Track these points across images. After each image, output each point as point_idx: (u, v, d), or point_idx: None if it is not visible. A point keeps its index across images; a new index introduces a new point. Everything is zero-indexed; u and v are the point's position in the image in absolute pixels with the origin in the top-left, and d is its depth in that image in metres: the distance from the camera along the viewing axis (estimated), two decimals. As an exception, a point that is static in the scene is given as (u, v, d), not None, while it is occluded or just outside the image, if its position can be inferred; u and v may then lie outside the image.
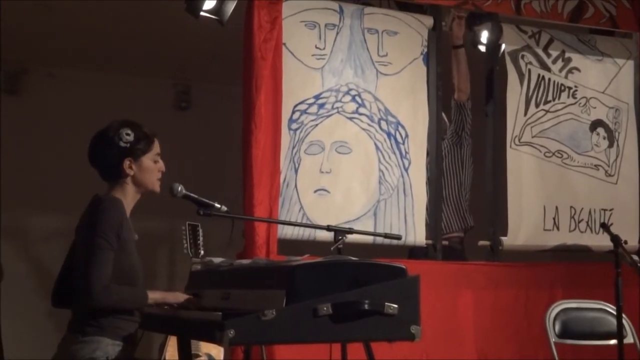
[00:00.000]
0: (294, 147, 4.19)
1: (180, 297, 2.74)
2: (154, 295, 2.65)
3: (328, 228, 3.06)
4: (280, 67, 4.15)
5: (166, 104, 6.54)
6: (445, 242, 4.54)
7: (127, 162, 2.67)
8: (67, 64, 6.12)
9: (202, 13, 4.12)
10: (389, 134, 4.41)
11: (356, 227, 4.15)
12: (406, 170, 4.42)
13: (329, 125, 4.29)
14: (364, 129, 4.36)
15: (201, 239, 3.78)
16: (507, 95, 4.70)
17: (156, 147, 2.74)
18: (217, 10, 4.11)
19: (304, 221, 4.10)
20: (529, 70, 4.75)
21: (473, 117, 4.73)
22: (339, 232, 3.02)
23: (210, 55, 5.73)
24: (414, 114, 4.48)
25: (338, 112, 4.32)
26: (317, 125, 4.26)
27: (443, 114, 4.63)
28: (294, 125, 4.21)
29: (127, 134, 2.67)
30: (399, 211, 4.36)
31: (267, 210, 3.99)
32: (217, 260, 3.03)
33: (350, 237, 3.04)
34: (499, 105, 4.71)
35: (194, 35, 5.03)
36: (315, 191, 4.21)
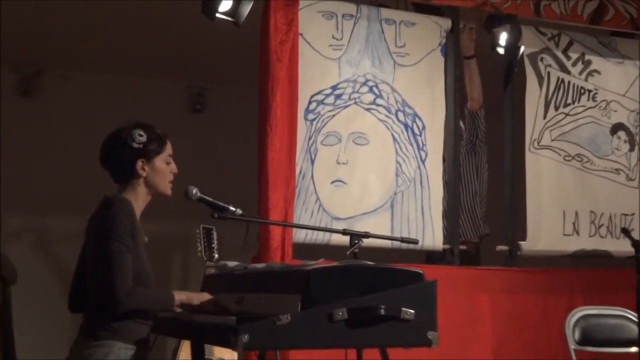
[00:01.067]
0: (310, 138, 4.20)
1: (206, 297, 2.72)
2: (180, 296, 2.65)
3: (344, 232, 3.07)
4: (296, 69, 4.14)
5: (180, 106, 6.57)
6: (462, 247, 4.53)
7: (139, 163, 2.68)
8: (81, 67, 6.15)
9: (218, 15, 4.13)
10: (406, 126, 4.41)
11: (373, 219, 4.17)
12: (423, 162, 4.41)
13: (346, 116, 4.29)
14: (381, 120, 4.36)
15: (215, 242, 3.78)
16: (525, 98, 4.67)
17: (168, 149, 2.74)
18: (233, 12, 4.11)
19: (320, 213, 4.11)
20: (549, 73, 4.72)
21: (491, 120, 4.72)
22: (355, 236, 3.02)
23: (225, 57, 5.73)
24: (431, 106, 4.47)
25: (355, 102, 4.32)
26: (334, 115, 4.26)
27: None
28: (311, 116, 4.22)
29: (140, 135, 2.67)
30: (416, 203, 4.36)
31: (282, 213, 4.00)
32: (232, 263, 3.03)
33: (367, 240, 3.05)
34: (518, 109, 4.69)
35: (209, 37, 5.04)
36: (332, 182, 4.22)
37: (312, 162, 4.19)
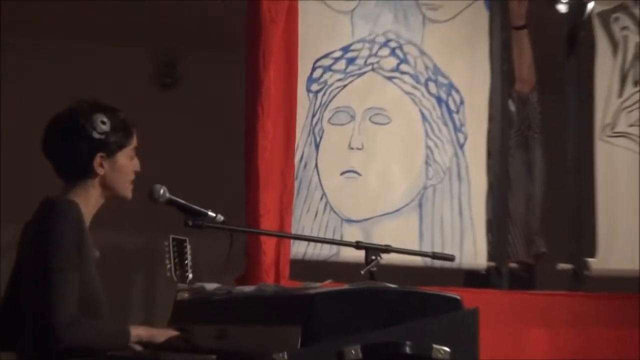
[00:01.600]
0: (314, 115, 4.21)
1: (168, 334, 2.77)
2: (138, 332, 2.68)
3: (357, 245, 3.07)
4: (296, 30, 4.15)
5: (145, 80, 6.57)
6: (512, 264, 4.55)
7: (98, 159, 2.70)
8: (19, 30, 6.14)
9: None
10: (439, 99, 4.42)
11: (396, 222, 4.20)
12: (461, 147, 4.43)
13: (360, 86, 4.30)
14: (406, 93, 4.37)
15: (189, 258, 3.75)
16: (595, 72, 4.68)
17: (134, 141, 2.78)
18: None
19: (327, 213, 4.14)
20: (625, 38, 4.73)
21: (550, 102, 4.73)
22: (372, 250, 3.02)
23: (202, 18, 5.73)
24: (472, 74, 4.49)
25: (373, 69, 4.33)
26: (345, 86, 4.27)
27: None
28: (315, 86, 4.23)
29: (103, 122, 2.69)
30: (452, 201, 4.38)
31: (277, 220, 4.01)
32: (211, 286, 3.04)
33: (387, 255, 3.06)
34: (584, 86, 4.69)
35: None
36: (343, 173, 4.24)
37: (317, 146, 4.20)
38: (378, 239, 4.10)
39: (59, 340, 2.50)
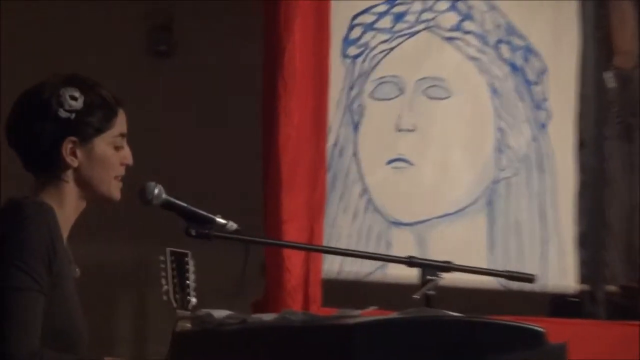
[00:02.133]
0: (351, 88, 4.26)
1: None
2: None
3: (410, 261, 3.08)
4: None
5: (135, 47, 6.58)
6: (610, 288, 4.55)
7: (67, 145, 2.70)
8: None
9: None
10: (513, 67, 4.44)
11: (459, 226, 4.24)
12: (543, 128, 4.44)
13: (412, 50, 4.34)
14: (471, 58, 4.41)
15: (192, 277, 3.78)
16: None
17: (120, 124, 2.77)
18: None
19: (370, 213, 4.18)
20: None
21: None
22: (429, 268, 3.03)
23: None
24: (556, 37, 4.51)
25: (428, 28, 4.37)
26: (391, 49, 4.31)
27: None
28: (353, 50, 4.27)
29: (73, 98, 2.69)
30: (530, 200, 4.39)
31: (305, 229, 4.04)
32: (220, 313, 2.99)
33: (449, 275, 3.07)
34: None
35: None
36: (389, 162, 4.29)
37: (355, 128, 4.24)
38: (434, 247, 4.22)
39: None
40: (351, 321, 2.54)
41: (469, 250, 4.17)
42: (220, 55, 6.16)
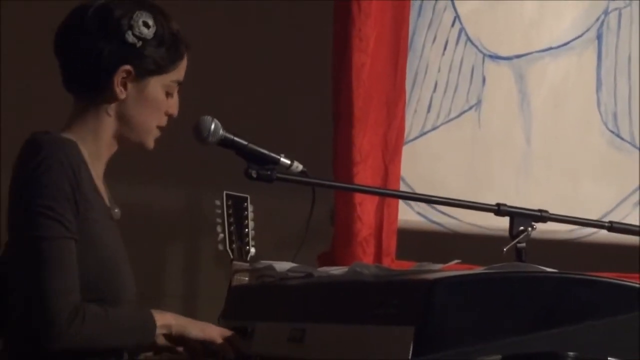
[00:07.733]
0: None
1: (213, 332, 2.78)
2: (165, 321, 2.72)
3: (498, 209, 3.03)
4: None
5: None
6: None
7: (122, 73, 2.71)
8: None
9: None
10: None
11: (563, 59, 4.25)
12: None
13: None
14: None
15: (251, 224, 3.76)
16: None
17: (181, 70, 2.80)
18: None
19: (461, 43, 4.21)
20: None
21: None
22: (520, 216, 2.98)
23: None
24: None
25: None
26: None
27: None
28: None
29: (145, 24, 2.70)
30: None
31: (380, 171, 4.02)
32: (283, 266, 3.03)
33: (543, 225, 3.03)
34: None
35: None
36: None
37: None
38: (536, 86, 4.28)
39: (55, 340, 2.53)
40: (431, 276, 2.51)
41: (574, 89, 4.20)
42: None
